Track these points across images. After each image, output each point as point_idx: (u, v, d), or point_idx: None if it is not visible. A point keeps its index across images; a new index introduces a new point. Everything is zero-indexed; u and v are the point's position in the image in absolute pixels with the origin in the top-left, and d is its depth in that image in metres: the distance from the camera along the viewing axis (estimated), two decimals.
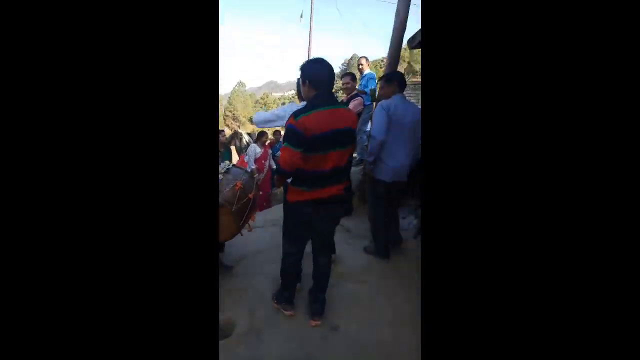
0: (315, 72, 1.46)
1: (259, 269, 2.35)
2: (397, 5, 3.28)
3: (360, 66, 4.22)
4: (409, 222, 3.20)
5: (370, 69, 4.37)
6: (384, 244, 2.46)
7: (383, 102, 2.15)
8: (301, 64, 1.52)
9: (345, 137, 1.50)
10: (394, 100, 2.12)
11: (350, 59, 28.36)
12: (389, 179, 2.19)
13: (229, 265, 2.37)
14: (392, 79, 2.23)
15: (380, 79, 2.41)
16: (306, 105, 1.46)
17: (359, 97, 3.11)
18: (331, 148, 1.45)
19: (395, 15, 3.27)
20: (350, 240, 2.82)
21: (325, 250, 1.76)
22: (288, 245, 1.73)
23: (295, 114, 1.41)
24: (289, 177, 1.56)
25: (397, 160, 2.15)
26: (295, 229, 1.67)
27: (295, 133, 1.39)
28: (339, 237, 2.77)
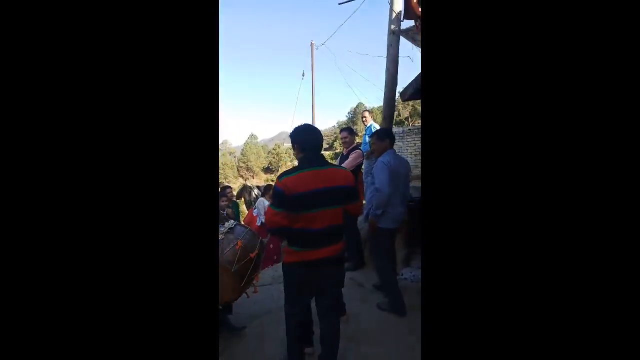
0: (301, 137, 1.57)
1: (268, 331, 2.23)
2: (386, 63, 3.51)
3: (364, 119, 4.45)
4: None
5: (375, 117, 4.56)
6: (400, 297, 2.37)
7: (383, 158, 2.36)
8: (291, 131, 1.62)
9: (336, 195, 1.50)
10: (389, 156, 2.36)
11: (356, 107, 29.68)
12: (392, 225, 2.37)
13: (238, 327, 2.26)
14: (384, 136, 2.47)
15: (372, 136, 2.63)
16: (293, 167, 1.55)
17: (358, 150, 3.20)
18: (319, 207, 1.47)
19: (386, 73, 3.48)
20: (364, 296, 2.68)
21: (329, 313, 1.67)
22: (288, 306, 1.66)
23: (280, 176, 1.50)
24: (275, 235, 1.60)
25: (397, 208, 2.37)
26: (293, 290, 1.62)
27: (277, 193, 1.47)
28: (351, 293, 2.65)
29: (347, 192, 1.54)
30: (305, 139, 1.55)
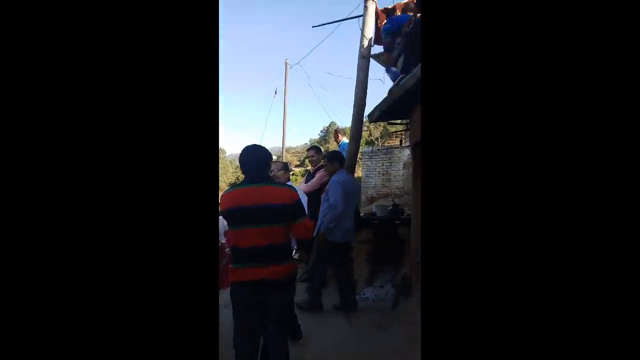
0: (242, 157, 1.63)
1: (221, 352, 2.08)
2: (356, 86, 3.63)
3: (336, 135, 4.55)
4: (386, 291, 3.05)
5: (347, 135, 4.66)
6: (318, 300, 2.66)
7: (336, 177, 2.62)
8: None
9: (269, 213, 1.46)
10: (342, 175, 2.66)
11: (329, 126, 30.26)
12: (341, 239, 2.60)
13: None
14: (334, 158, 2.78)
15: (324, 158, 2.95)
16: (234, 184, 1.60)
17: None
18: (248, 224, 1.46)
19: (355, 95, 3.59)
20: (323, 318, 2.61)
21: (275, 337, 1.57)
22: (236, 330, 1.55)
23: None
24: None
25: (347, 223, 2.62)
26: (237, 311, 1.54)
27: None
28: (309, 315, 2.57)
29: (285, 210, 1.50)
30: (246, 158, 1.60)
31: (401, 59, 2.99)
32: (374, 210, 4.00)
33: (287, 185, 1.78)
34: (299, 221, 1.54)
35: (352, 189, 2.69)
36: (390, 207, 3.74)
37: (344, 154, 4.06)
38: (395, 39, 3.25)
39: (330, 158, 2.82)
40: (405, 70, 2.87)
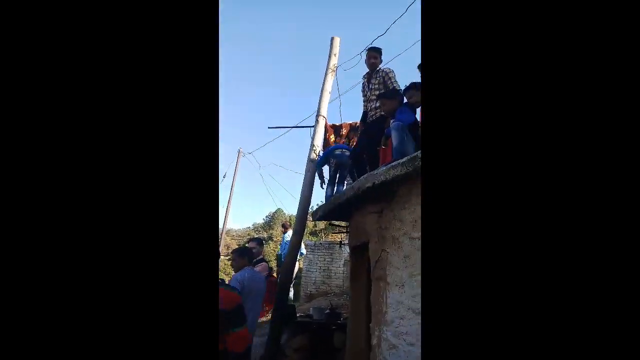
0: None
1: None
2: (302, 186, 3.93)
3: (283, 228, 4.63)
4: None
5: (292, 225, 4.76)
6: None
7: (238, 275, 2.49)
8: None
9: None
10: (245, 273, 2.49)
11: (275, 212, 30.31)
12: None
13: None
14: (244, 254, 2.68)
15: (233, 252, 2.91)
16: None
17: (264, 262, 3.21)
18: None
19: (301, 193, 3.86)
20: None
21: None
22: None
23: None
24: None
25: (248, 325, 2.35)
26: None
27: None
28: None
29: (222, 316, 1.36)
30: None
31: (337, 175, 3.51)
32: (310, 312, 3.83)
33: (230, 287, 1.63)
34: (235, 330, 1.38)
35: (252, 288, 2.47)
36: (328, 311, 3.63)
37: (287, 246, 4.09)
38: (329, 161, 3.84)
39: (240, 253, 2.69)
40: (341, 182, 3.35)
